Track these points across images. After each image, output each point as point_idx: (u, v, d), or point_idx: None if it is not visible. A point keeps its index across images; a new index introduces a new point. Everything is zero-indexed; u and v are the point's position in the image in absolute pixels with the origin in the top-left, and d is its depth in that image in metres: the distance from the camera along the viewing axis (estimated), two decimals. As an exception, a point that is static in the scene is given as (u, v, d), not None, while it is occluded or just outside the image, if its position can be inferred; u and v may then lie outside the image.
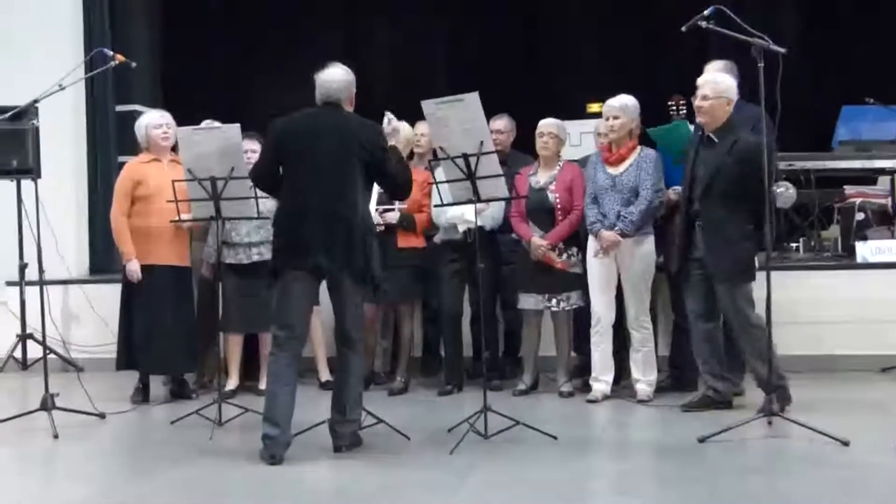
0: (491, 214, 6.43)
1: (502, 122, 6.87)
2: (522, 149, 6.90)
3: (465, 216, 6.19)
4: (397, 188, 5.37)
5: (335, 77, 5.14)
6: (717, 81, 5.60)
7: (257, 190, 5.80)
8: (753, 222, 5.43)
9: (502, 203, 6.32)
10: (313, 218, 4.96)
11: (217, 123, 6.12)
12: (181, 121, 6.41)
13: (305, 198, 5.00)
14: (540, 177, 6.40)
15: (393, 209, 6.49)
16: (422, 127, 6.54)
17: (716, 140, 5.55)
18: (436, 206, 6.13)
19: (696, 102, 5.61)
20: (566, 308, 6.30)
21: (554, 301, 6.29)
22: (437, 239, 6.72)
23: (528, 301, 6.37)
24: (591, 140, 7.25)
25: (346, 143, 5.02)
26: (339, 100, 5.13)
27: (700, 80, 5.66)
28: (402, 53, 10.25)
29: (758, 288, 5.47)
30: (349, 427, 5.07)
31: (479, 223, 6.09)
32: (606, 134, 6.26)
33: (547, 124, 6.41)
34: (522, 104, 7.60)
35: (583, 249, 6.27)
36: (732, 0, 5.38)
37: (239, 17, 9.97)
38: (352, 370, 5.09)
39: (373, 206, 6.20)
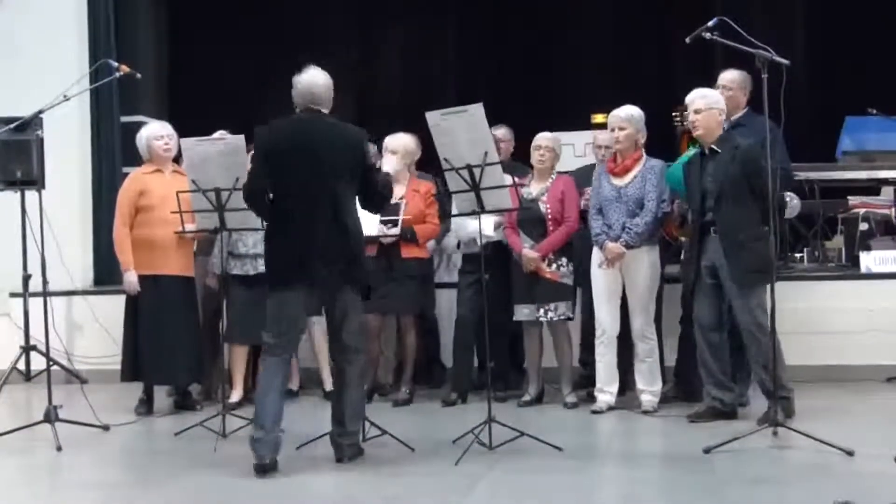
0: None
1: (500, 132, 6.83)
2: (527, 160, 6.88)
3: (484, 231, 6.10)
4: (383, 200, 5.26)
5: (318, 81, 5.00)
6: (706, 95, 5.68)
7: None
8: (767, 223, 5.46)
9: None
10: (311, 229, 4.87)
11: (227, 135, 6.11)
12: (190, 132, 6.32)
13: (301, 210, 4.90)
14: (532, 188, 6.39)
15: (396, 220, 6.46)
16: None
17: (718, 150, 5.58)
18: (453, 216, 6.11)
19: (690, 118, 5.67)
20: (554, 318, 6.26)
21: (542, 311, 6.26)
22: (430, 248, 6.72)
23: (522, 312, 6.34)
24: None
25: (338, 150, 4.93)
26: (323, 104, 5.02)
27: (688, 98, 5.70)
28: (412, 64, 10.29)
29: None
30: (349, 438, 5.06)
31: (497, 237, 6.15)
32: (607, 147, 6.33)
33: (544, 138, 6.39)
34: (527, 115, 7.59)
35: (574, 260, 6.27)
36: (738, 11, 5.38)
37: (249, 27, 9.97)
38: (350, 383, 5.05)
39: (376, 217, 6.19)
